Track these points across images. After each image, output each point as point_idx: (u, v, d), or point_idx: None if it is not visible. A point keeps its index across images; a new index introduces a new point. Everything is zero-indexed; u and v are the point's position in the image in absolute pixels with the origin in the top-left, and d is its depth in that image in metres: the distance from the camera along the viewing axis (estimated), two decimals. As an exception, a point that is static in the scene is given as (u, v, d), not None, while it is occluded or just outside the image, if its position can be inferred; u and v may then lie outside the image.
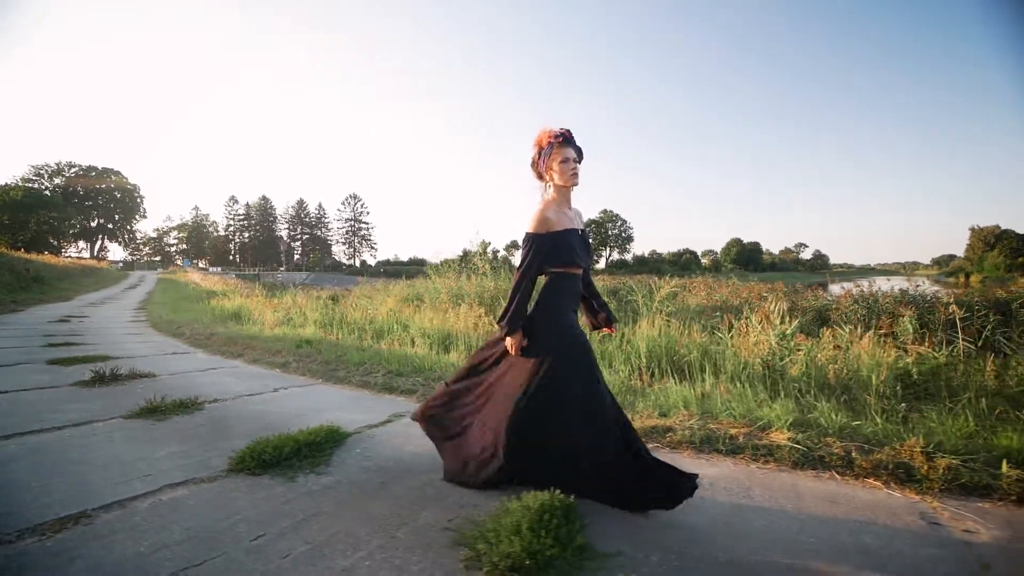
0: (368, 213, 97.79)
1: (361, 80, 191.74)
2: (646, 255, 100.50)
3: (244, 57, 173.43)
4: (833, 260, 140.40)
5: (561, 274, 2.04)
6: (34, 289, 17.31)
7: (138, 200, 65.74)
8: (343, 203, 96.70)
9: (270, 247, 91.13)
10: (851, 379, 3.68)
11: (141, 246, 78.51)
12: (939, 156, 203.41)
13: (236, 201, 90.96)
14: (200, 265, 73.98)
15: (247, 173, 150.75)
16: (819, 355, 4.14)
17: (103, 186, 61.34)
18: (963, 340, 4.60)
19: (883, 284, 9.97)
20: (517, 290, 2.00)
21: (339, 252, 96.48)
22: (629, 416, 2.37)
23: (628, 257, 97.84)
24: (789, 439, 2.55)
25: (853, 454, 2.40)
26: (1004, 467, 2.22)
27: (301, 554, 1.58)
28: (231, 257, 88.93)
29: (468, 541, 1.62)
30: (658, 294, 8.49)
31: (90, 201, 60.96)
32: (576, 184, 2.06)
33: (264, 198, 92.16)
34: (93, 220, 62.43)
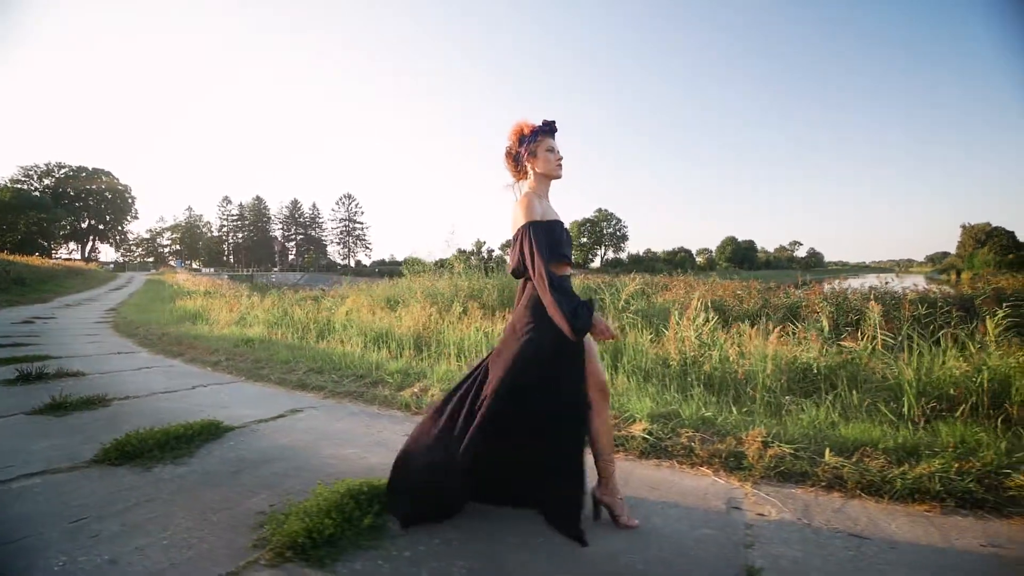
0: (362, 213, 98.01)
1: (359, 79, 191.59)
2: (641, 254, 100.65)
3: (237, 57, 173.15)
4: (828, 258, 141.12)
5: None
6: (13, 291, 17.36)
7: (129, 201, 65.67)
8: (337, 203, 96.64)
9: (264, 247, 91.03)
10: (747, 374, 3.81)
11: (133, 247, 78.38)
12: (934, 153, 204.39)
13: (230, 201, 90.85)
14: (193, 266, 73.88)
15: (241, 173, 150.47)
16: (729, 352, 4.27)
17: (94, 187, 61.17)
18: (882, 335, 4.73)
19: (874, 281, 10.15)
20: (552, 281, 1.69)
21: (334, 252, 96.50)
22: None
23: (623, 256, 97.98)
24: (644, 431, 2.67)
25: (695, 444, 2.52)
26: (827, 455, 2.35)
27: (109, 534, 1.70)
28: (225, 258, 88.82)
29: (268, 523, 1.74)
30: (623, 292, 8.62)
31: (80, 202, 60.78)
32: (560, 177, 1.94)
33: (258, 198, 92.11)
34: (84, 221, 62.27)
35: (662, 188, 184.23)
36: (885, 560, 1.64)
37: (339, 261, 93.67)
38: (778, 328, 4.60)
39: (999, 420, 2.86)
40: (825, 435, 2.62)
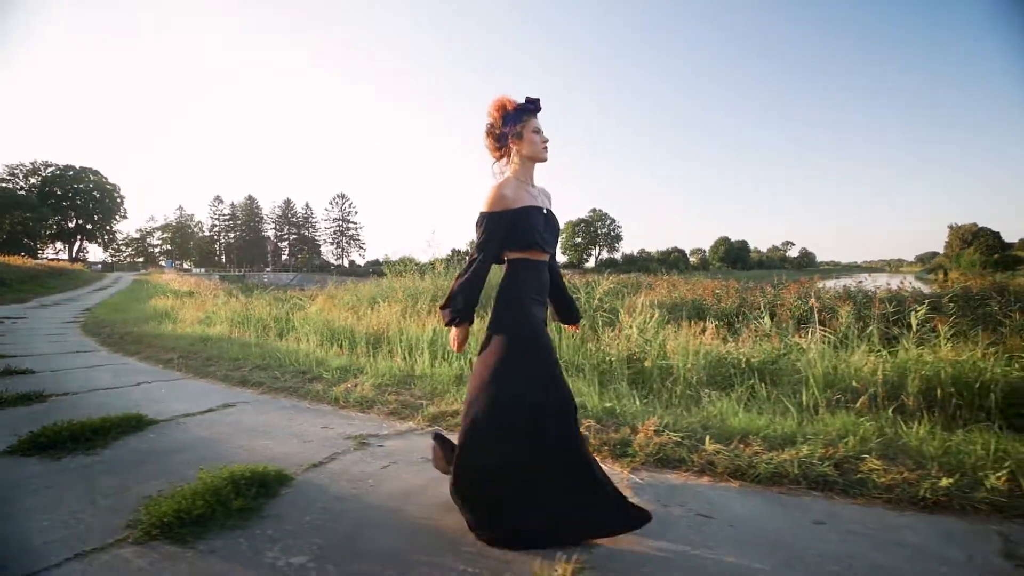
0: (356, 213, 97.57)
1: (355, 78, 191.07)
2: (635, 254, 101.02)
3: (229, 56, 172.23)
4: (820, 258, 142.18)
5: (522, 260, 1.76)
6: (-8, 291, 17.27)
7: (118, 200, 65.09)
8: (331, 203, 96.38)
9: (257, 247, 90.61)
10: (669, 369, 3.96)
11: (122, 247, 77.81)
12: (927, 154, 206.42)
13: (221, 201, 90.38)
14: (184, 266, 73.47)
15: (233, 173, 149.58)
16: (668, 347, 4.41)
17: (81, 186, 60.67)
18: (821, 331, 4.90)
19: (848, 281, 10.38)
20: (462, 275, 1.72)
21: (328, 252, 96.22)
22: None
23: (617, 256, 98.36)
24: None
25: (590, 434, 2.66)
26: (707, 443, 2.49)
27: (-5, 517, 1.81)
28: (217, 258, 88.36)
29: (146, 505, 1.85)
30: (597, 291, 8.75)
31: (67, 201, 60.22)
32: (546, 160, 1.82)
33: (250, 198, 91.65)
34: (71, 221, 61.73)
35: (659, 189, 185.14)
36: (720, 536, 1.77)
37: (333, 261, 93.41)
38: (714, 325, 4.77)
39: (891, 411, 3.02)
40: (714, 424, 2.77)
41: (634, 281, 18.09)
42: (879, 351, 3.70)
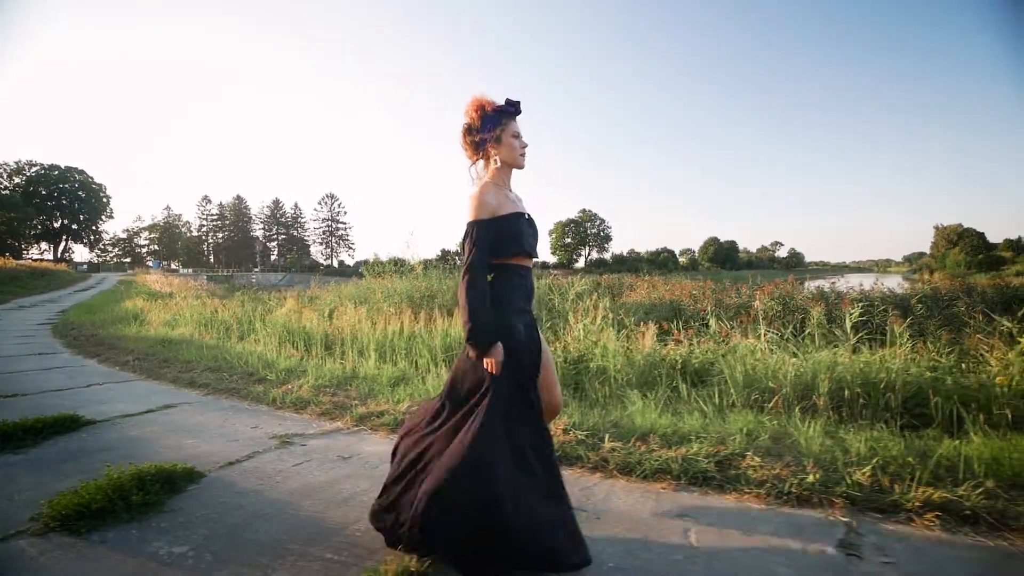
0: (345, 213, 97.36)
1: (345, 77, 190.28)
2: (625, 254, 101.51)
3: (216, 55, 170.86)
4: (809, 258, 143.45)
5: (508, 266, 1.71)
6: (-31, 292, 17.13)
7: (104, 200, 64.45)
8: (320, 203, 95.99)
9: (246, 248, 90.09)
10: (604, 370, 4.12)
11: (109, 247, 77.05)
12: (915, 155, 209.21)
13: (209, 201, 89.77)
14: (172, 267, 72.86)
15: (221, 173, 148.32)
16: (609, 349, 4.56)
17: (66, 186, 60.02)
18: (765, 332, 5.07)
19: (839, 282, 10.63)
20: (469, 291, 1.60)
21: (317, 252, 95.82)
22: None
23: (607, 256, 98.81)
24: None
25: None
26: (606, 441, 2.64)
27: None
28: (205, 258, 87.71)
29: (49, 500, 1.97)
30: (570, 292, 8.90)
31: (53, 201, 59.60)
32: (524, 167, 1.78)
33: (238, 198, 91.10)
34: (56, 221, 61.04)
35: (650, 189, 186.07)
36: (585, 529, 1.90)
37: (322, 261, 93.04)
38: (655, 327, 4.93)
39: (798, 409, 3.19)
40: (624, 423, 2.92)
41: (616, 282, 18.33)
42: (802, 353, 3.87)
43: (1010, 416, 2.72)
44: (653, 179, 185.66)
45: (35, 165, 58.62)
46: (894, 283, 12.13)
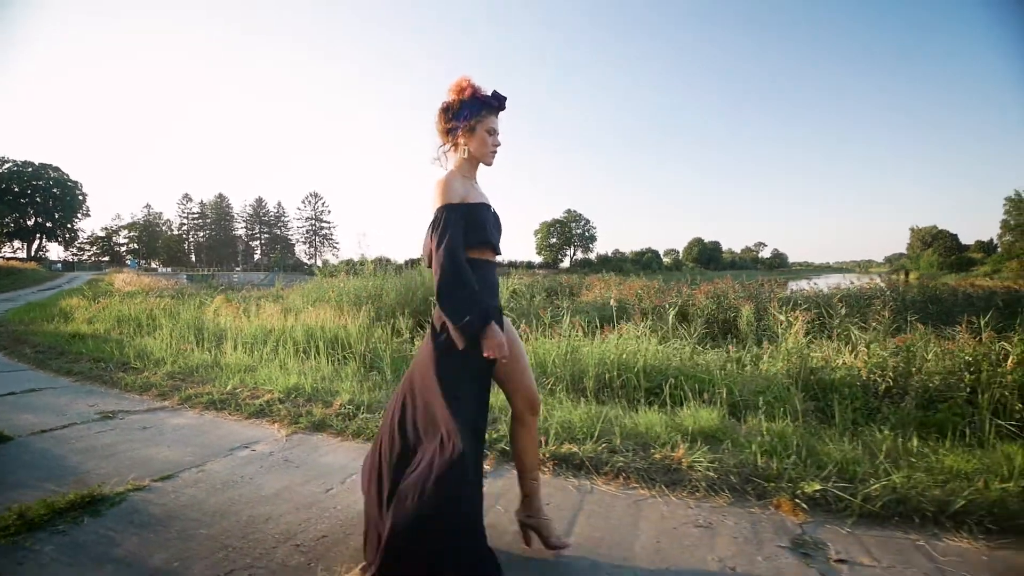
0: (329, 212, 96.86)
1: (329, 76, 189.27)
2: (609, 254, 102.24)
3: (198, 51, 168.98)
4: (793, 259, 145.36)
5: (474, 261, 1.61)
6: (-77, 290, 16.96)
7: (80, 198, 63.57)
8: (303, 202, 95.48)
9: (228, 247, 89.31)
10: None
11: (86, 245, 75.95)
12: (899, 157, 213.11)
13: (190, 199, 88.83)
14: (152, 265, 72.00)
15: (202, 170, 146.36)
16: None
17: (40, 183, 59.11)
18: (636, 326, 5.38)
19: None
20: (449, 270, 1.48)
21: (301, 252, 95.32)
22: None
23: (592, 256, 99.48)
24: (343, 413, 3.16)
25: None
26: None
27: None
28: (186, 257, 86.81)
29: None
30: (505, 292, 9.17)
31: (26, 199, 58.68)
32: (491, 165, 1.70)
33: (220, 196, 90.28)
34: (29, 219, 60.11)
35: (637, 190, 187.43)
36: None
37: (306, 261, 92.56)
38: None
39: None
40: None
41: (576, 282, 18.70)
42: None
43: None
44: (639, 179, 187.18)
45: (7, 161, 57.65)
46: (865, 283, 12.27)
